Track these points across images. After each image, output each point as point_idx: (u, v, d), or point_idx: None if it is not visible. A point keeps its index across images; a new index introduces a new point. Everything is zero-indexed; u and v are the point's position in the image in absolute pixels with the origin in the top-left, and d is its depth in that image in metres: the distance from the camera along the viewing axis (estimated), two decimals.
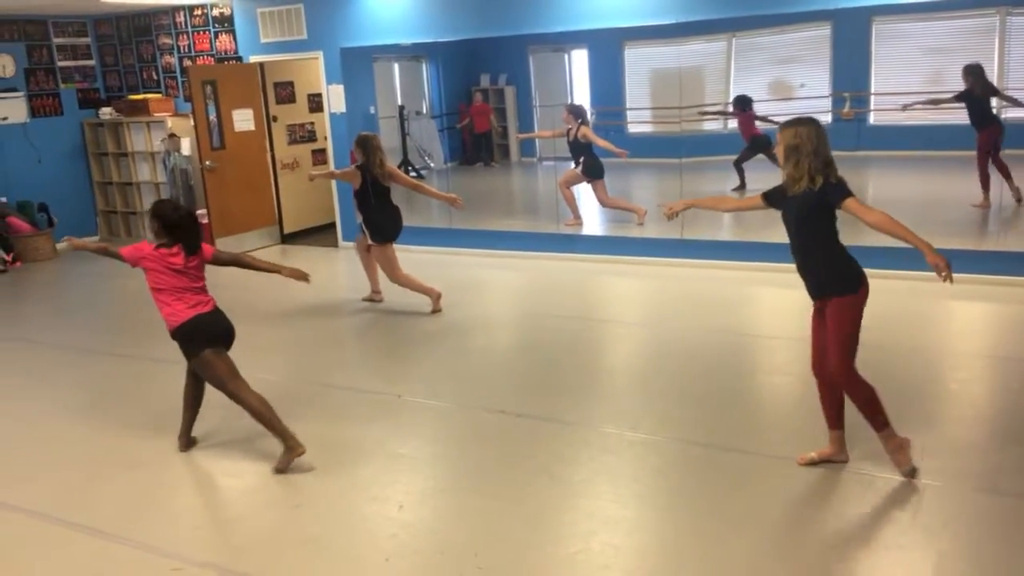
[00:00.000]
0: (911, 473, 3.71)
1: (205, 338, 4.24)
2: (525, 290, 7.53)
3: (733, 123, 8.49)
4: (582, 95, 9.87)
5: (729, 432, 4.34)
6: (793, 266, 6.80)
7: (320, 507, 3.84)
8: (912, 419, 4.36)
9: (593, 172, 8.38)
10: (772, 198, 3.91)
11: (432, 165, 10.61)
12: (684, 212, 4.25)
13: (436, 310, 6.71)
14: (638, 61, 9.21)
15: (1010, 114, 7.10)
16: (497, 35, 8.13)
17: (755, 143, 8.16)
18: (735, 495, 3.74)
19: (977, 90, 6.99)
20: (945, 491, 3.64)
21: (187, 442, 4.52)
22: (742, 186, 8.38)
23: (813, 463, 3.90)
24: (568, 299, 7.12)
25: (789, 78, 8.23)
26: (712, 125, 8.60)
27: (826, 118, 7.63)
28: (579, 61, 9.83)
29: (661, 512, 3.69)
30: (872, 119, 7.98)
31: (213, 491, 4.11)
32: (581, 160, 8.36)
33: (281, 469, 4.18)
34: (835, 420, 3.89)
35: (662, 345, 5.81)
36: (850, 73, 7.78)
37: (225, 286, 8.24)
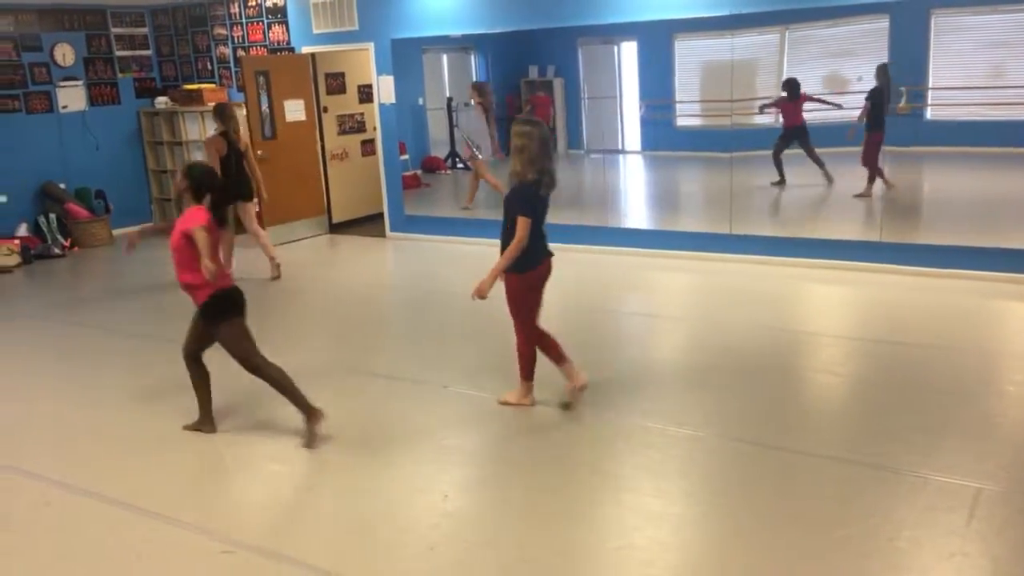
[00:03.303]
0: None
1: (239, 305, 4.43)
2: (569, 284, 7.50)
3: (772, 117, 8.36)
4: (631, 88, 9.79)
5: (776, 430, 4.29)
6: (843, 263, 6.78)
7: (366, 495, 3.89)
8: (967, 420, 4.27)
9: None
10: None
11: (480, 156, 10.62)
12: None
13: (229, 278, 7.46)
14: (688, 54, 9.11)
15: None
16: (547, 27, 8.11)
17: (794, 133, 8.05)
18: (782, 494, 3.70)
19: (887, 90, 7.23)
20: (1001, 495, 3.56)
21: (213, 422, 4.67)
22: (782, 181, 8.22)
23: (568, 406, 4.62)
24: (614, 293, 7.10)
25: (844, 72, 8.06)
26: (764, 119, 8.47)
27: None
28: (628, 53, 9.75)
29: (706, 509, 3.67)
30: (929, 114, 7.79)
31: (262, 477, 4.18)
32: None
33: (309, 444, 4.35)
34: (557, 358, 4.63)
35: (708, 340, 5.76)
36: (908, 67, 7.59)
37: (265, 273, 8.37)
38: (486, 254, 8.35)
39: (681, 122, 9.67)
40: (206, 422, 4.66)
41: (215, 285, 4.32)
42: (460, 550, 3.42)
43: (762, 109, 8.26)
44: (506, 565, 3.28)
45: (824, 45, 8.14)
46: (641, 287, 7.26)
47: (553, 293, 7.37)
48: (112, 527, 3.74)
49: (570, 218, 8.77)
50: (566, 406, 4.66)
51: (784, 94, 8.01)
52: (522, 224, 4.29)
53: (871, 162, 7.47)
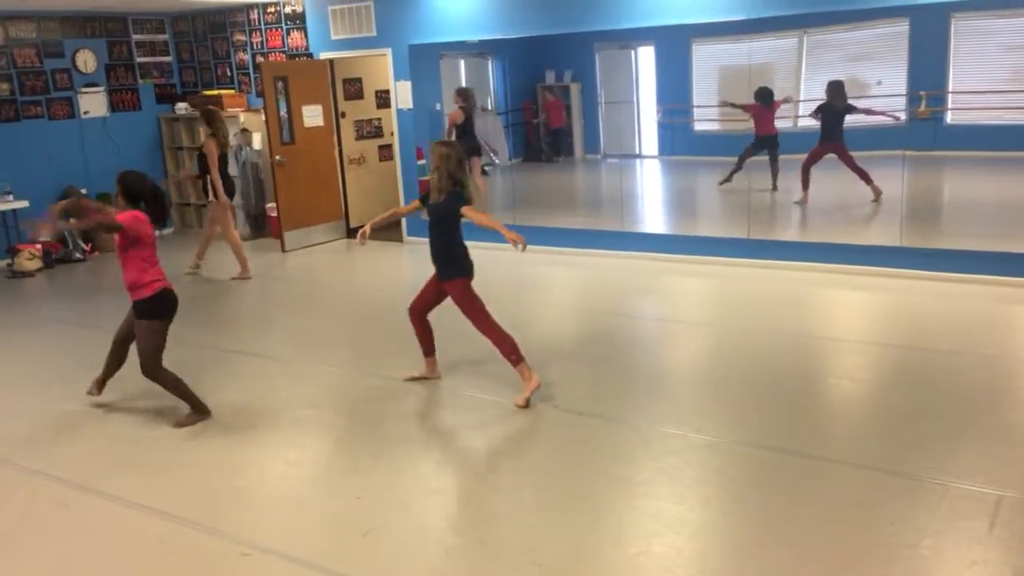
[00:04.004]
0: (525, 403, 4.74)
1: (171, 309, 4.74)
2: (588, 288, 7.51)
3: (805, 121, 8.32)
4: (648, 92, 9.79)
5: (796, 436, 4.26)
6: (862, 268, 6.78)
7: (382, 499, 3.89)
8: (989, 427, 4.23)
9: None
10: (424, 201, 4.96)
11: (497, 161, 10.64)
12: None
13: (244, 278, 8.18)
14: (706, 58, 9.09)
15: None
16: (564, 32, 8.11)
17: (765, 141, 8.22)
18: (801, 500, 3.67)
19: (837, 104, 7.68)
20: (1023, 503, 3.51)
21: (100, 387, 5.12)
22: (728, 180, 8.49)
23: (414, 379, 5.20)
24: (631, 298, 7.08)
25: (863, 76, 8.03)
26: (781, 124, 8.45)
27: (902, 117, 7.43)
28: (646, 58, 9.75)
29: (725, 516, 3.64)
30: (949, 118, 7.74)
31: (278, 479, 4.19)
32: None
33: (182, 424, 4.75)
34: (428, 350, 5.19)
35: (727, 346, 5.73)
36: (927, 71, 7.55)
37: (294, 279, 8.43)
38: (501, 258, 8.39)
39: (699, 127, 9.65)
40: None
41: (160, 284, 4.65)
42: (476, 554, 3.42)
43: (735, 106, 8.36)
44: (522, 570, 3.27)
45: (843, 49, 8.11)
46: (659, 292, 7.24)
47: (571, 297, 7.42)
48: (130, 529, 3.77)
49: (587, 223, 8.77)
50: (412, 379, 5.25)
51: (758, 102, 8.18)
52: (473, 210, 4.73)
53: (854, 167, 7.71)
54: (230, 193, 8.26)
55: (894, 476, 3.79)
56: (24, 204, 9.31)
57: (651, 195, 10.36)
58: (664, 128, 9.88)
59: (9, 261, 9.12)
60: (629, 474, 3.99)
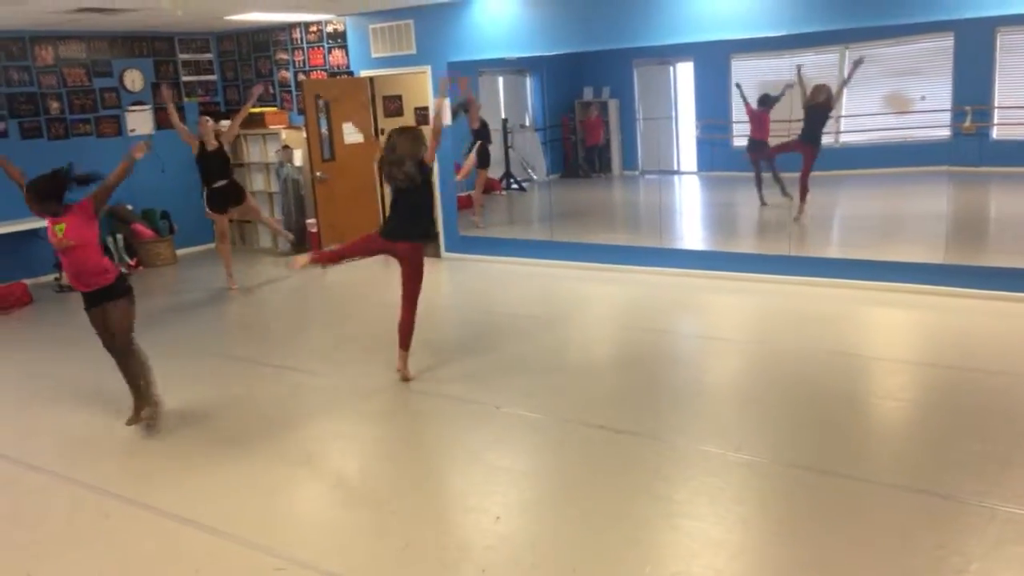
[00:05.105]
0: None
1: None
2: (626, 304, 7.47)
3: (846, 137, 8.23)
4: (687, 108, 9.75)
5: (837, 457, 4.19)
6: (906, 285, 6.67)
7: (418, 514, 3.89)
8: None
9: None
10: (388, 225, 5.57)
11: (535, 177, 10.66)
12: None
13: (232, 288, 8.64)
14: (745, 73, 9.04)
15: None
16: (603, 49, 8.12)
17: (761, 145, 8.43)
18: (843, 523, 3.60)
19: (822, 107, 7.77)
20: None
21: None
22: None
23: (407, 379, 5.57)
24: (671, 315, 7.04)
25: (907, 91, 7.92)
26: (824, 140, 8.36)
27: (946, 132, 7.31)
28: (684, 74, 9.71)
29: (764, 537, 3.59)
30: (995, 134, 7.60)
31: (314, 493, 4.22)
32: (476, 145, 9.31)
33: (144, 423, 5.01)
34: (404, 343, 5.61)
35: (768, 364, 5.67)
36: (972, 86, 7.42)
37: (332, 294, 8.49)
38: (541, 274, 8.40)
39: (738, 142, 9.58)
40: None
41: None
42: (512, 573, 3.40)
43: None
44: None
45: (886, 64, 8.01)
46: (698, 309, 7.18)
47: (609, 314, 7.39)
48: (169, 541, 3.81)
49: (625, 239, 8.75)
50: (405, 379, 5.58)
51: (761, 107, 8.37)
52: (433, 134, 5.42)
53: (804, 178, 7.87)
54: (217, 203, 8.69)
55: (939, 499, 3.71)
56: None
57: (689, 211, 10.30)
58: (703, 144, 9.83)
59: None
60: (668, 493, 3.96)
